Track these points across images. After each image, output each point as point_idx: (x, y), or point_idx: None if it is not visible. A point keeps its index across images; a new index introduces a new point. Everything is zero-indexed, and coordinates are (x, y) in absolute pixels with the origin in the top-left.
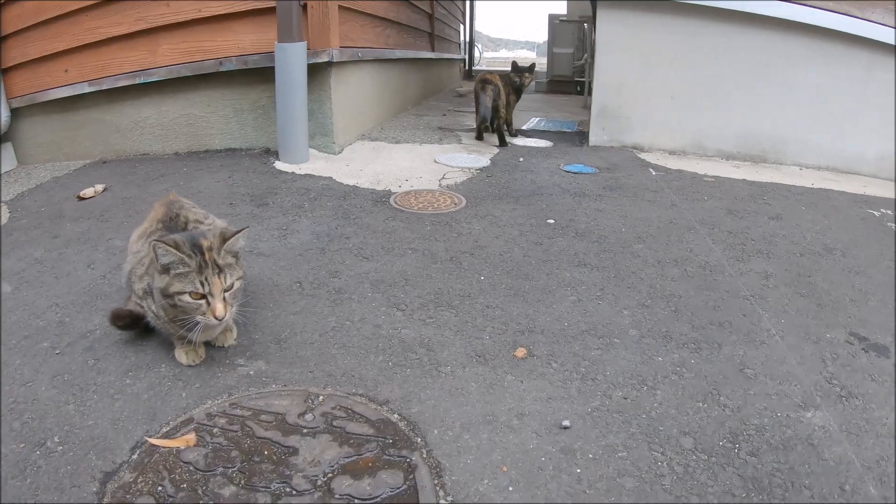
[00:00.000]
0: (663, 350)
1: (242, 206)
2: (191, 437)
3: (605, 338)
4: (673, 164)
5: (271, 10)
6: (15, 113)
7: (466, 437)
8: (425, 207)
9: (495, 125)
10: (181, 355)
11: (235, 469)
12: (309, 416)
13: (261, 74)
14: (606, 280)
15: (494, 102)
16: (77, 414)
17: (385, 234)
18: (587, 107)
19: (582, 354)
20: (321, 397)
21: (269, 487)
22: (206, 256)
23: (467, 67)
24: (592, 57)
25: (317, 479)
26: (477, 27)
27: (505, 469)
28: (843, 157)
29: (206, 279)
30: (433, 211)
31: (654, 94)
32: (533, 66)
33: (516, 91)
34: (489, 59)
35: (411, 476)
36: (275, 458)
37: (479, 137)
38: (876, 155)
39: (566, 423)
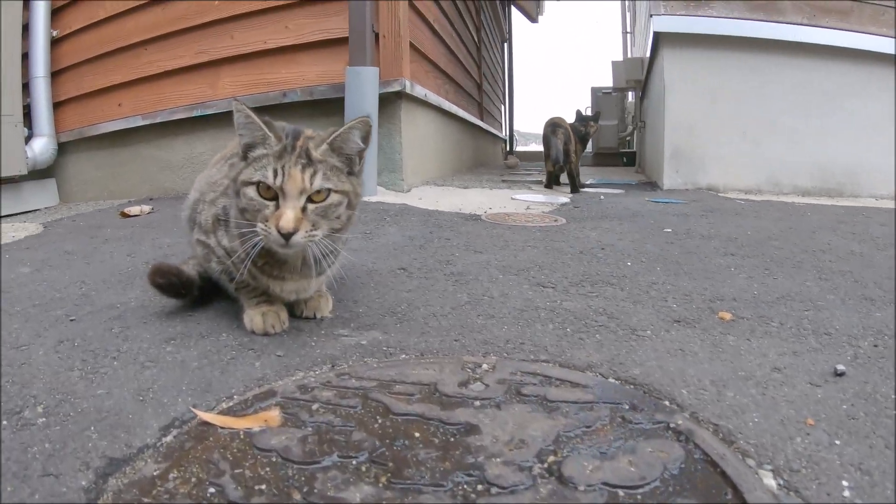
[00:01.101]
0: (874, 308)
1: None
2: (273, 415)
3: (805, 302)
4: (756, 198)
5: (339, 42)
6: (61, 148)
7: (730, 394)
8: (524, 223)
9: (568, 168)
10: (255, 318)
11: (364, 459)
12: (477, 386)
13: (324, 107)
14: (766, 264)
15: (566, 146)
16: (82, 381)
17: (492, 237)
18: (639, 172)
19: (794, 315)
20: (484, 365)
21: (443, 484)
22: (298, 142)
23: (508, 149)
24: (642, 122)
25: (531, 466)
26: (519, 120)
27: (812, 422)
28: None
29: (282, 168)
30: (534, 224)
31: (725, 131)
32: (598, 114)
33: (582, 140)
34: (520, 151)
35: (691, 445)
36: (437, 440)
37: (549, 186)
38: None
39: (840, 367)
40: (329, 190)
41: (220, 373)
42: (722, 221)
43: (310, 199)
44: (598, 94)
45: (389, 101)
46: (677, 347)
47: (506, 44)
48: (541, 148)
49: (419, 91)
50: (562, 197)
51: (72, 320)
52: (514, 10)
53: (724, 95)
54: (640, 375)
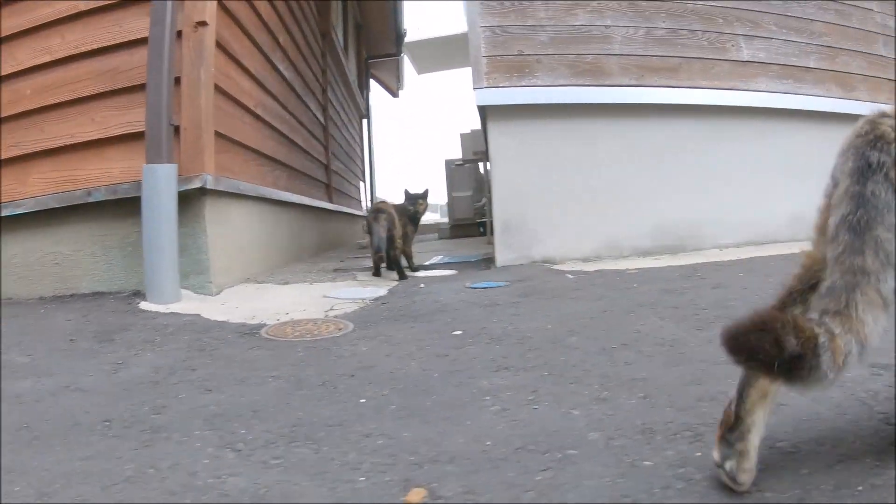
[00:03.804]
0: (648, 450)
1: (84, 341)
2: None
3: (553, 451)
4: (590, 267)
5: (143, 135)
6: None
7: None
8: (302, 335)
9: (392, 255)
10: None
11: None
12: None
13: (132, 206)
14: (539, 380)
15: (389, 232)
16: None
17: (243, 363)
18: (491, 243)
19: (521, 483)
20: None
21: None
22: None
23: None
24: (489, 193)
25: None
26: (383, 194)
27: None
28: (761, 230)
29: None
30: (311, 338)
31: (559, 200)
32: (426, 192)
33: (412, 221)
34: None
35: None
36: None
37: (377, 273)
38: (789, 218)
39: None
40: None
41: None
42: (531, 311)
43: None
44: (451, 167)
45: (193, 199)
46: None
47: (365, 120)
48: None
49: (230, 184)
50: (382, 288)
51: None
52: (376, 85)
53: (557, 163)
54: None
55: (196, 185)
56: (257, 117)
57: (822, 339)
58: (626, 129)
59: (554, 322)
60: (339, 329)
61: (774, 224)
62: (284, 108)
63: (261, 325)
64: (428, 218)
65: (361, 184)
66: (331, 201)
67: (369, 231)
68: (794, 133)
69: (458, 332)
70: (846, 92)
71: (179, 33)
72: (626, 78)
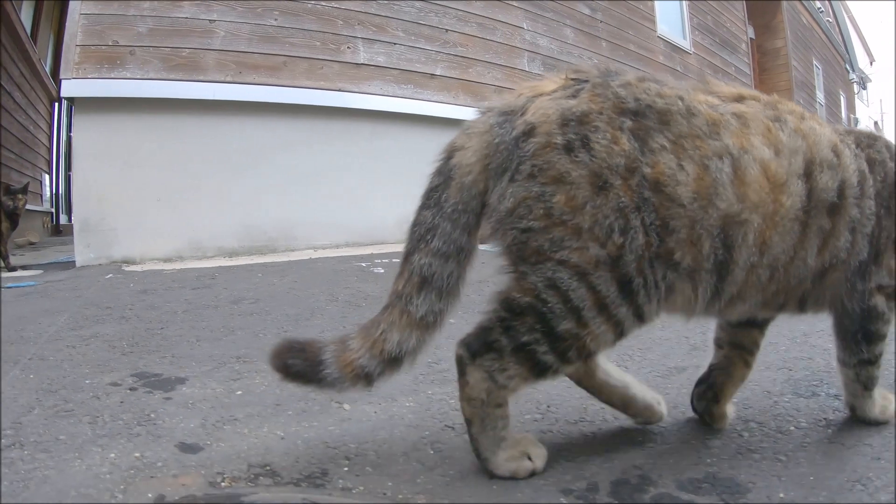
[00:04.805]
0: None
1: None
2: None
3: None
4: (152, 267)
5: None
6: None
7: None
8: None
9: None
10: None
11: None
12: None
13: None
14: None
15: None
16: None
17: None
18: None
19: None
20: None
21: None
22: None
23: (55, 223)
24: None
25: None
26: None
27: None
28: (366, 231)
29: None
30: None
31: (140, 199)
32: (27, 185)
33: (10, 217)
34: None
35: None
36: None
37: None
38: (398, 219)
39: None
40: None
41: None
42: None
43: None
44: None
45: None
46: None
47: (56, 104)
48: None
49: None
50: None
51: None
52: None
53: (143, 160)
54: None
55: None
56: None
57: (326, 355)
58: (222, 127)
59: None
60: None
61: (383, 225)
62: None
63: None
64: None
65: (46, 176)
66: None
67: None
68: (411, 136)
69: None
70: (477, 100)
71: None
72: (223, 74)
